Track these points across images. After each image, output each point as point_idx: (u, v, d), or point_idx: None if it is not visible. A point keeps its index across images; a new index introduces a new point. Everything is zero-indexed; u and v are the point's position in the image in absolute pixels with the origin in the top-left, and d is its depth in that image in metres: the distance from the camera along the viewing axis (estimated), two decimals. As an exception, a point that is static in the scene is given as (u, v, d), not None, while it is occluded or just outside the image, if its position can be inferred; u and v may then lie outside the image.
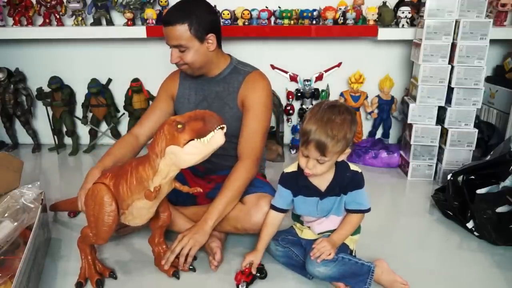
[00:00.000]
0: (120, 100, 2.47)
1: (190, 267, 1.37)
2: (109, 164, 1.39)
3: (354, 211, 1.26)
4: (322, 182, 1.25)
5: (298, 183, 1.27)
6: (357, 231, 1.33)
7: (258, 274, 1.32)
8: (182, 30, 1.40)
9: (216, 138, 1.06)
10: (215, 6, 2.19)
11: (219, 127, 1.07)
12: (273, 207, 1.34)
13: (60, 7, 2.26)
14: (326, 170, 1.20)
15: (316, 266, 1.22)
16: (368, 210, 1.26)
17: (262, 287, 1.32)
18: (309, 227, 1.34)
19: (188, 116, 1.08)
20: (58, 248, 1.52)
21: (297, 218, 1.38)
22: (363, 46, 2.34)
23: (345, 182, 1.24)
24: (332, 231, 1.29)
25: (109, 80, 2.47)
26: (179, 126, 1.06)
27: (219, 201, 1.38)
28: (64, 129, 2.50)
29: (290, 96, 2.37)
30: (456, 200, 1.67)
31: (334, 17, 2.15)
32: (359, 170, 1.26)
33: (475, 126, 1.99)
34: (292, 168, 1.30)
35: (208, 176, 1.63)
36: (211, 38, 1.45)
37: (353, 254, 1.33)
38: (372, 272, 1.25)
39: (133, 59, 2.41)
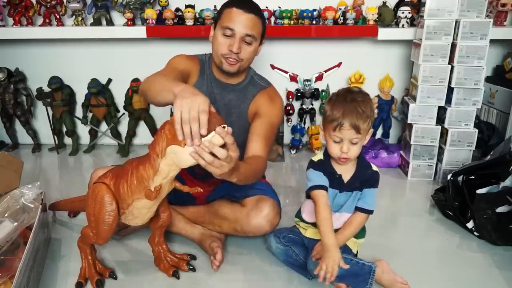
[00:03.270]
0: (120, 100, 2.47)
1: (190, 267, 1.37)
2: None
3: (360, 209, 1.26)
4: (345, 174, 1.26)
5: (325, 169, 1.26)
6: (361, 234, 1.33)
7: None
8: (258, 23, 1.39)
9: (217, 137, 1.06)
10: (215, 6, 2.21)
11: (220, 126, 1.06)
12: (314, 187, 1.22)
13: (60, 7, 2.26)
14: (358, 153, 1.22)
15: (318, 266, 1.22)
16: (371, 212, 1.27)
17: (261, 286, 1.33)
18: (313, 224, 1.34)
19: None
20: (58, 248, 1.52)
21: (300, 216, 1.38)
22: (363, 46, 2.34)
23: (366, 178, 1.26)
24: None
25: (109, 80, 2.47)
26: None
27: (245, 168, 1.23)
28: (64, 129, 2.50)
29: (290, 96, 2.37)
30: (456, 200, 1.67)
31: (334, 17, 2.15)
32: (378, 171, 1.29)
33: (475, 126, 1.99)
34: (318, 157, 1.30)
35: (208, 179, 1.62)
36: (262, 44, 1.47)
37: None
38: (373, 272, 1.24)
39: (133, 59, 2.41)
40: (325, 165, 1.27)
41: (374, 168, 1.28)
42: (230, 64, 1.40)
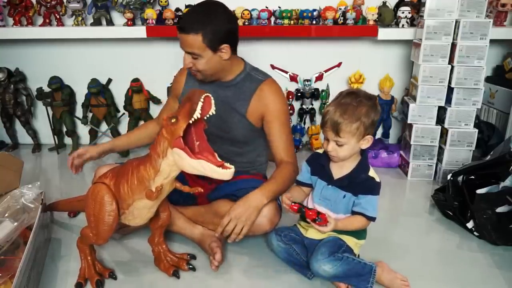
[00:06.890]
0: (120, 100, 2.47)
1: (190, 266, 1.37)
2: (121, 142, 1.63)
3: (358, 214, 1.26)
4: (339, 171, 1.28)
5: (318, 160, 1.33)
6: (362, 236, 1.33)
7: None
8: (195, 40, 1.37)
9: (205, 106, 1.05)
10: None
11: (204, 95, 1.05)
12: (297, 182, 1.39)
13: (60, 7, 2.26)
14: (348, 155, 1.24)
15: (322, 265, 1.22)
16: (372, 218, 1.26)
17: (261, 285, 1.33)
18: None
19: (178, 107, 1.11)
20: (58, 248, 1.52)
21: (302, 216, 1.38)
22: (363, 46, 2.34)
23: (357, 182, 1.26)
24: (337, 232, 1.29)
25: (109, 80, 2.47)
26: (173, 120, 1.06)
27: (273, 183, 1.40)
28: (64, 129, 2.50)
29: (290, 96, 2.37)
30: (456, 200, 1.67)
31: (334, 17, 2.15)
32: (378, 180, 1.27)
33: (475, 126, 1.99)
34: (322, 150, 1.34)
35: (209, 178, 1.61)
36: (225, 48, 1.42)
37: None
38: (374, 271, 1.26)
39: (133, 59, 2.41)
40: (320, 157, 1.33)
41: (372, 174, 1.27)
42: (196, 75, 1.48)
